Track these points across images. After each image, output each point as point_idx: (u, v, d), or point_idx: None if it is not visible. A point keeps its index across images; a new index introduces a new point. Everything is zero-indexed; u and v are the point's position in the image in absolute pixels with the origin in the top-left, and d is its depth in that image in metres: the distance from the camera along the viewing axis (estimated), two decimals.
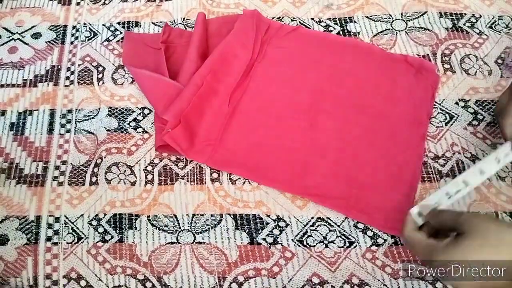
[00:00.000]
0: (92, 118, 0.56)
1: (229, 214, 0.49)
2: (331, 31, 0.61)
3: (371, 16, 0.62)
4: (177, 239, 0.48)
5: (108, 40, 0.62)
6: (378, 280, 0.46)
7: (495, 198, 0.49)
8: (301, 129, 0.53)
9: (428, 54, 0.58)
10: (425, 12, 0.61)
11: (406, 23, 0.61)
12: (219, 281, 0.46)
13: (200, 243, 0.48)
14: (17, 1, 0.66)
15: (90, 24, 0.63)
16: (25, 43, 0.62)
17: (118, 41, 0.61)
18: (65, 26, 0.63)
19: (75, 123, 0.55)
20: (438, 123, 0.54)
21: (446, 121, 0.54)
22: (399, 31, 0.60)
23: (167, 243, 0.48)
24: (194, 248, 0.48)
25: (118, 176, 0.52)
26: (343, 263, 0.46)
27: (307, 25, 0.62)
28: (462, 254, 0.33)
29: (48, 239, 0.48)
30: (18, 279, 0.47)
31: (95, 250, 0.48)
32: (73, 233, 0.49)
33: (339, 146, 0.52)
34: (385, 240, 0.47)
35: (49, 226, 0.49)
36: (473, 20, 0.60)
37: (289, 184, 0.50)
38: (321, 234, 0.48)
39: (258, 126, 0.53)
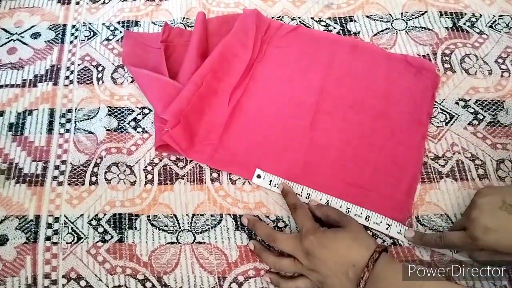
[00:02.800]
0: (92, 117, 0.56)
1: (229, 214, 0.49)
2: (331, 30, 0.61)
3: (371, 15, 0.62)
4: (177, 239, 0.48)
5: (107, 39, 0.61)
6: None
7: None
8: (301, 129, 0.53)
9: (428, 54, 0.58)
10: (425, 12, 0.61)
11: (406, 23, 0.61)
12: (219, 281, 0.46)
13: (200, 243, 0.48)
14: (16, 1, 0.65)
15: (90, 24, 0.63)
16: (24, 43, 0.61)
17: (118, 40, 0.61)
18: (65, 25, 0.63)
19: (75, 123, 0.55)
20: (438, 123, 0.54)
21: (446, 121, 0.54)
22: (399, 30, 0.60)
23: (167, 243, 0.48)
24: (194, 248, 0.48)
25: (118, 176, 0.52)
26: None
27: (307, 25, 0.62)
28: (335, 238, 0.43)
29: (48, 238, 0.48)
30: (16, 278, 0.47)
31: (95, 250, 0.48)
32: (73, 233, 0.49)
33: (339, 145, 0.52)
34: (383, 241, 0.47)
35: (49, 225, 0.49)
36: (473, 19, 0.60)
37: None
38: None
39: (258, 126, 0.53)
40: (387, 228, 0.47)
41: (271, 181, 0.50)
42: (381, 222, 0.47)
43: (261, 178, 0.50)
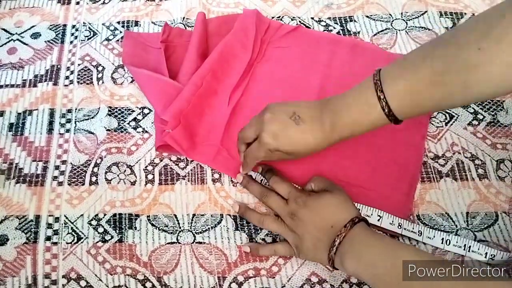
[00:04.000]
0: (92, 117, 0.56)
1: (229, 215, 0.49)
2: (331, 30, 0.61)
3: (371, 15, 0.62)
4: (177, 239, 0.48)
5: (107, 39, 0.61)
6: None
7: (495, 198, 0.49)
8: None
9: None
10: (425, 12, 0.61)
11: (406, 23, 0.61)
12: (219, 281, 0.46)
13: (200, 243, 0.48)
14: (16, 1, 0.65)
15: (90, 24, 0.63)
16: (24, 43, 0.61)
17: (118, 40, 0.61)
18: (65, 25, 0.63)
19: (75, 123, 0.55)
20: (438, 123, 0.54)
21: (446, 121, 0.54)
22: (399, 30, 0.60)
23: (167, 243, 0.48)
24: (194, 248, 0.48)
25: (118, 176, 0.52)
26: None
27: (307, 25, 0.62)
28: (320, 201, 0.44)
29: (48, 238, 0.48)
30: (16, 278, 0.47)
31: (95, 250, 0.48)
32: (73, 233, 0.49)
33: (339, 145, 0.52)
34: None
35: (49, 226, 0.49)
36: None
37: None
38: None
39: None
40: (378, 220, 0.47)
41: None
42: (371, 214, 0.47)
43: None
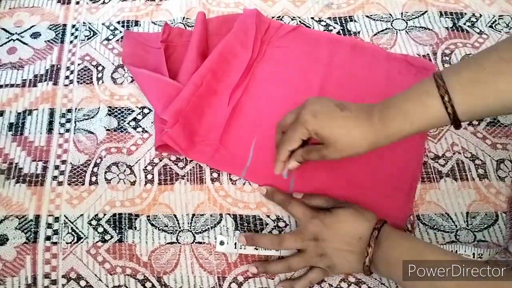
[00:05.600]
0: (92, 117, 0.55)
1: (229, 214, 0.49)
2: (331, 30, 0.61)
3: (371, 15, 0.62)
4: (177, 239, 0.48)
5: (107, 39, 0.61)
6: (375, 279, 0.46)
7: (495, 198, 0.49)
8: None
9: (428, 54, 0.58)
10: (425, 12, 0.61)
11: (406, 23, 0.61)
12: (219, 281, 0.46)
13: (200, 243, 0.48)
14: (16, 1, 0.65)
15: (90, 23, 0.63)
16: (24, 43, 0.61)
17: (118, 40, 0.61)
18: (65, 25, 0.63)
19: (75, 123, 0.55)
20: None
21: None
22: (399, 30, 0.60)
23: (167, 243, 0.48)
24: (194, 248, 0.48)
25: (117, 175, 0.52)
26: None
27: (307, 25, 0.61)
28: (338, 218, 0.44)
29: (48, 238, 0.48)
30: (16, 278, 0.47)
31: (95, 250, 0.48)
32: (73, 233, 0.49)
33: None
34: None
35: (49, 225, 0.49)
36: (473, 19, 0.60)
37: (288, 184, 0.50)
38: None
39: (257, 126, 0.53)
40: None
41: (235, 244, 0.46)
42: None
43: (225, 244, 0.46)
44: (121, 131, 0.54)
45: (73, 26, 0.63)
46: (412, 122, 0.39)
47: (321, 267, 0.44)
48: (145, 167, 0.52)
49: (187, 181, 0.51)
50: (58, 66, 0.59)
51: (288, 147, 0.44)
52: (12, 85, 0.58)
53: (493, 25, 0.60)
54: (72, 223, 0.49)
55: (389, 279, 0.45)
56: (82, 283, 0.46)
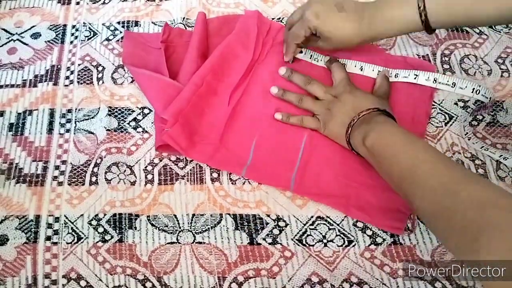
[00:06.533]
0: (92, 117, 0.56)
1: (229, 214, 0.49)
2: None
3: None
4: (177, 239, 0.48)
5: (107, 39, 0.62)
6: (377, 279, 0.46)
7: None
8: (301, 129, 0.53)
9: (428, 54, 0.58)
10: None
11: None
12: (219, 281, 0.46)
13: (200, 243, 0.48)
14: (16, 2, 0.65)
15: (90, 24, 0.63)
16: (24, 43, 0.62)
17: (118, 40, 0.61)
18: (65, 25, 0.63)
19: (75, 123, 0.55)
20: (438, 123, 0.54)
21: (446, 121, 0.54)
22: None
23: (167, 243, 0.48)
24: (194, 248, 0.48)
25: (118, 176, 0.52)
26: (342, 262, 0.47)
27: None
28: (365, 95, 0.51)
29: (48, 238, 0.48)
30: (16, 278, 0.47)
31: (95, 250, 0.48)
32: (73, 233, 0.49)
33: (338, 145, 0.52)
34: (384, 239, 0.47)
35: (49, 225, 0.49)
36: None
37: (289, 183, 0.50)
38: (321, 233, 0.48)
39: (257, 126, 0.53)
40: (414, 78, 0.54)
41: (311, 55, 0.57)
42: (408, 75, 0.54)
43: (302, 53, 0.57)
44: (121, 131, 0.55)
45: (73, 26, 0.63)
46: (393, 27, 0.49)
47: (319, 119, 0.51)
48: (145, 167, 0.52)
49: (187, 181, 0.51)
50: (58, 66, 0.60)
51: (294, 41, 0.53)
52: (12, 86, 0.58)
53: (493, 25, 0.60)
54: (72, 223, 0.49)
55: (369, 157, 0.47)
56: (83, 283, 0.46)
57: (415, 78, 0.54)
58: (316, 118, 0.52)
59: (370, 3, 0.50)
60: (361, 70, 0.56)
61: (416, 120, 0.53)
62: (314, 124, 0.52)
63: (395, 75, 0.55)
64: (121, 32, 0.62)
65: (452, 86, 0.54)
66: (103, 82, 0.58)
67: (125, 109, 0.56)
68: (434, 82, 0.54)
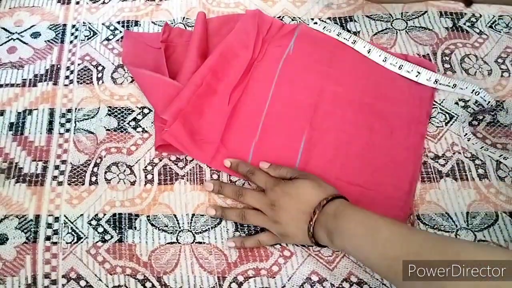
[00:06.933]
0: (92, 117, 0.55)
1: None
2: None
3: (371, 15, 0.62)
4: (177, 239, 0.48)
5: (107, 39, 0.61)
6: (377, 279, 0.46)
7: (495, 198, 0.49)
8: (301, 128, 0.53)
9: (428, 54, 0.58)
10: (425, 12, 0.61)
11: (406, 23, 0.61)
12: (219, 281, 0.46)
13: (200, 243, 0.48)
14: (16, 1, 0.65)
15: (90, 23, 0.63)
16: (24, 42, 0.61)
17: (118, 40, 0.61)
18: (65, 25, 0.63)
19: (75, 123, 0.55)
20: (438, 123, 0.54)
21: (446, 121, 0.54)
22: (399, 30, 0.60)
23: (167, 243, 0.48)
24: (194, 248, 0.48)
25: (117, 175, 0.52)
26: (341, 261, 0.46)
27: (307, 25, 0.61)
28: (298, 186, 0.46)
29: (47, 238, 0.48)
30: (16, 277, 0.47)
31: (95, 250, 0.48)
32: (73, 232, 0.49)
33: (338, 145, 0.52)
34: None
35: (49, 225, 0.49)
36: (473, 19, 0.60)
37: None
38: None
39: (257, 126, 0.53)
40: (416, 76, 0.54)
41: (324, 27, 0.58)
42: (411, 71, 0.54)
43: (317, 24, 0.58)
44: (121, 131, 0.54)
45: (73, 26, 0.63)
46: None
47: (274, 233, 0.46)
48: (145, 167, 0.52)
49: (187, 181, 0.51)
50: (58, 66, 0.59)
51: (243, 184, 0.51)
52: (12, 85, 0.58)
53: (493, 25, 0.60)
54: (72, 223, 0.49)
55: (346, 253, 0.46)
56: (82, 283, 0.46)
57: (416, 76, 0.54)
58: (270, 234, 0.47)
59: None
60: (384, 61, 0.56)
61: (417, 120, 0.53)
62: (272, 240, 0.47)
63: (399, 67, 0.55)
64: (121, 32, 0.62)
65: (452, 87, 0.54)
66: (103, 82, 0.58)
67: (125, 109, 0.56)
68: (435, 83, 0.54)
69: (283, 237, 0.46)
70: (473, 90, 0.53)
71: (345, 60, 0.57)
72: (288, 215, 0.45)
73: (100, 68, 0.59)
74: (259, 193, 0.48)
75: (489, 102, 0.53)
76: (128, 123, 0.55)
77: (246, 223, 0.48)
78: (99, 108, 0.56)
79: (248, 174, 0.49)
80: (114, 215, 0.49)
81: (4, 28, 0.63)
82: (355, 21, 0.61)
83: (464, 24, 0.60)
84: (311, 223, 0.43)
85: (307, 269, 0.46)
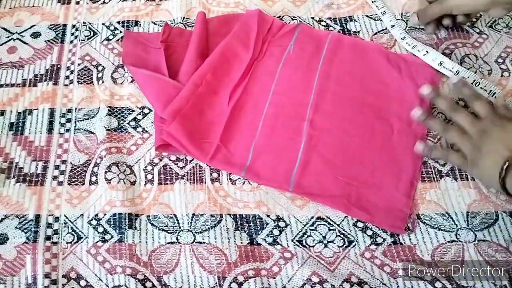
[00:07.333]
0: (92, 117, 0.56)
1: (229, 215, 0.49)
2: (331, 30, 0.61)
3: (371, 15, 0.62)
4: (177, 239, 0.48)
5: (107, 39, 0.61)
6: (377, 279, 0.46)
7: (495, 198, 0.49)
8: (300, 128, 0.53)
9: None
10: None
11: (406, 23, 0.61)
12: (219, 281, 0.46)
13: (200, 243, 0.48)
14: (16, 1, 0.65)
15: (90, 23, 0.63)
16: (24, 42, 0.62)
17: (118, 40, 0.61)
18: (65, 25, 0.63)
19: (75, 123, 0.55)
20: None
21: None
22: None
23: (167, 243, 0.48)
24: (194, 248, 0.48)
25: (117, 175, 0.52)
26: (342, 262, 0.46)
27: (308, 24, 0.61)
28: None
29: (48, 238, 0.48)
30: (16, 277, 0.47)
31: (95, 250, 0.48)
32: (73, 232, 0.49)
33: (338, 144, 0.52)
34: (384, 239, 0.47)
35: (49, 225, 0.49)
36: (473, 19, 0.60)
37: (288, 183, 0.50)
38: (321, 234, 0.48)
39: (257, 125, 0.53)
40: (424, 55, 0.56)
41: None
42: (421, 50, 0.56)
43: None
44: (121, 131, 0.54)
45: (73, 26, 0.63)
46: None
47: (464, 158, 0.46)
48: (145, 167, 0.52)
49: (187, 181, 0.51)
50: (58, 66, 0.59)
51: (429, 18, 0.55)
52: (12, 85, 0.58)
53: (493, 25, 0.60)
54: (72, 223, 0.49)
55: None
56: (82, 283, 0.46)
57: (424, 55, 0.56)
58: (460, 155, 0.47)
59: None
60: (440, 65, 0.55)
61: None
62: (459, 161, 0.48)
63: (412, 46, 0.57)
64: (121, 32, 0.62)
65: (455, 74, 0.54)
66: (103, 82, 0.58)
67: (125, 109, 0.56)
68: (440, 65, 0.55)
69: (472, 166, 0.45)
70: (474, 80, 0.54)
71: (345, 59, 0.57)
72: (493, 146, 0.43)
73: (100, 68, 0.59)
74: (474, 117, 0.47)
75: (490, 91, 0.53)
76: (128, 123, 0.55)
77: (444, 135, 0.50)
78: (99, 108, 0.56)
79: (450, 111, 0.49)
80: (114, 215, 0.49)
81: (4, 28, 0.63)
82: (355, 21, 0.61)
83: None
84: (507, 162, 0.41)
85: (307, 270, 0.46)
